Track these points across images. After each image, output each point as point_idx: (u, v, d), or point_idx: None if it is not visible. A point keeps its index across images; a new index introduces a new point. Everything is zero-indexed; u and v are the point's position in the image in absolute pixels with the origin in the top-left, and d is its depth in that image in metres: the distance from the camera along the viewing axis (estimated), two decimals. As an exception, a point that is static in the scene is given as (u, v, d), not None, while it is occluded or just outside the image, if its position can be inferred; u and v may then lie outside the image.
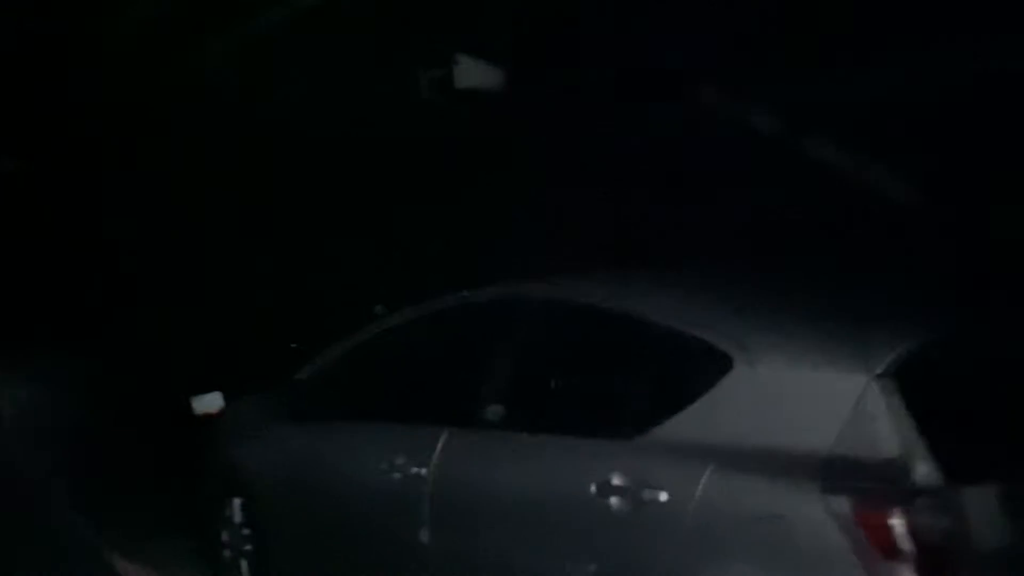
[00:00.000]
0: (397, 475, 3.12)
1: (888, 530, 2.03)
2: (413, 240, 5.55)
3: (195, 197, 6.09)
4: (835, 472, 2.14)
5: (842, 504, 2.09)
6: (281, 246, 6.07)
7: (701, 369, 2.48)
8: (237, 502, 4.11)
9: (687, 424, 2.45)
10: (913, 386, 2.15)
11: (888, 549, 2.02)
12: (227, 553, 4.14)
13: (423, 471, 3.04)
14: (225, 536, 4.15)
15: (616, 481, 2.48)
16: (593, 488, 2.52)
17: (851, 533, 2.06)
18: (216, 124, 5.87)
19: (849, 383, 2.21)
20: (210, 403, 4.37)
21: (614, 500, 2.48)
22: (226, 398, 4.39)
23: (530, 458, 2.80)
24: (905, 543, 2.00)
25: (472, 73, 4.46)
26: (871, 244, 3.99)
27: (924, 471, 2.05)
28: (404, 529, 3.08)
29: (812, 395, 2.28)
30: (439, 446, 3.03)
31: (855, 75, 4.11)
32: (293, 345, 5.58)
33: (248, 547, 4.06)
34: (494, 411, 2.96)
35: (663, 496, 2.39)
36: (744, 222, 4.19)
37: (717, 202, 4.31)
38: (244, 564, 4.07)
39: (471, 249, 5.00)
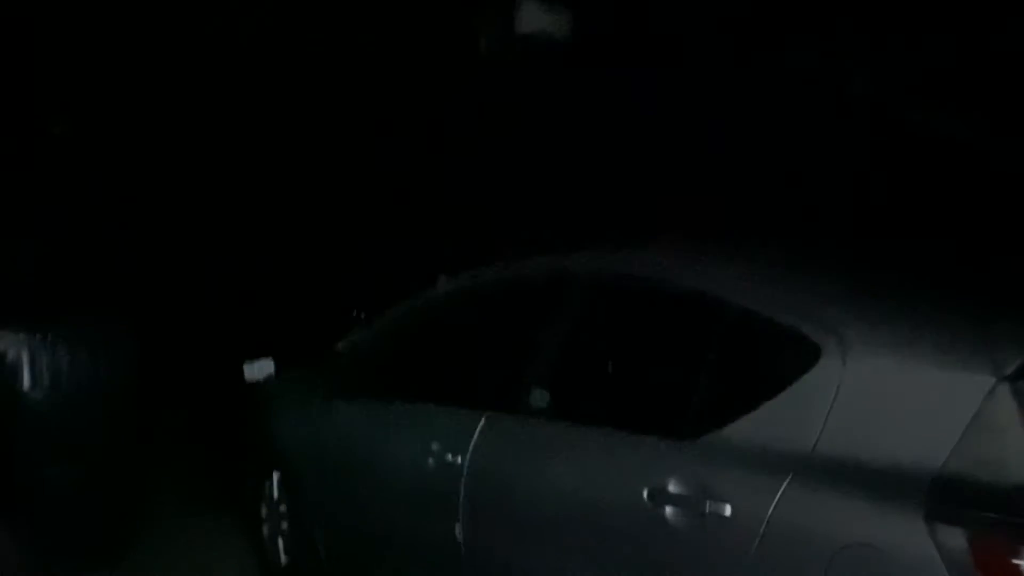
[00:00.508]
0: (432, 462, 2.81)
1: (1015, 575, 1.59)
2: (472, 206, 5.22)
3: (247, 160, 5.92)
4: (947, 496, 1.70)
5: (955, 537, 1.65)
6: (339, 210, 5.85)
7: (784, 360, 2.05)
8: (276, 476, 3.92)
9: (763, 425, 2.04)
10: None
11: (1014, 600, 1.58)
12: (266, 529, 3.95)
13: (458, 459, 2.72)
14: (264, 511, 3.96)
15: (673, 488, 2.10)
16: (645, 494, 2.14)
17: (965, 575, 1.63)
18: (265, 86, 5.66)
19: (970, 386, 1.76)
20: (261, 369, 4.20)
21: (669, 510, 2.09)
22: (277, 366, 4.24)
23: (575, 453, 2.44)
24: (1038, 594, 1.56)
25: (535, 16, 4.02)
26: (1000, 223, 3.43)
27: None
28: (438, 523, 2.77)
29: (921, 398, 1.83)
30: (476, 433, 2.70)
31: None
32: (355, 313, 5.38)
33: (284, 525, 3.85)
34: (538, 397, 2.61)
35: (728, 510, 1.99)
36: (841, 194, 3.68)
37: (807, 171, 3.80)
38: (280, 542, 3.87)
39: (526, 217, 4.64)
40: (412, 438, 2.96)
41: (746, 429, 2.07)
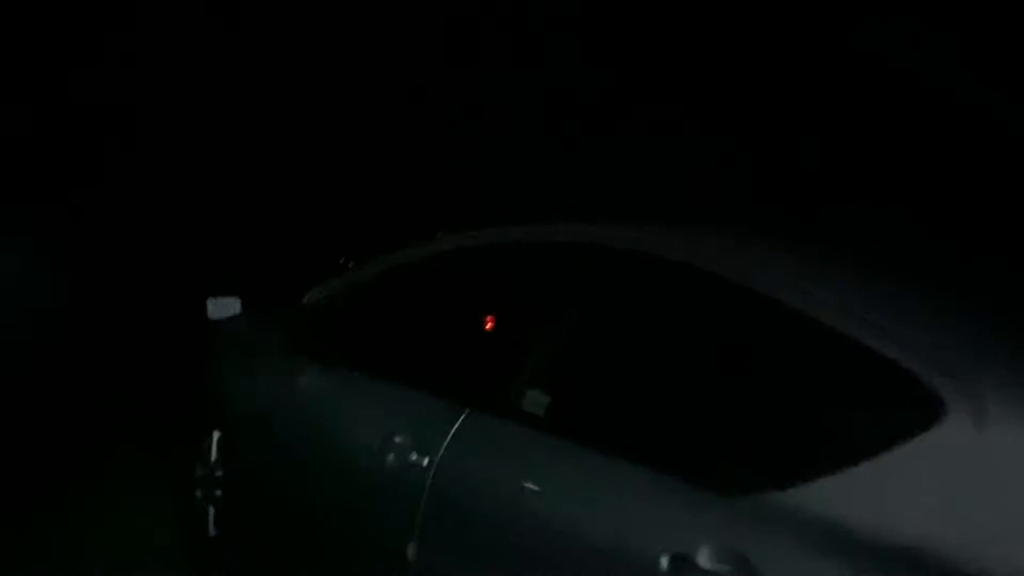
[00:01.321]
0: (392, 458, 2.23)
1: None
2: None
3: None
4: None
5: None
6: (336, 144, 5.24)
7: (886, 409, 1.47)
8: (216, 436, 3.36)
9: (846, 493, 1.46)
10: None
11: None
12: (198, 493, 3.39)
13: (424, 461, 2.14)
14: (199, 471, 3.41)
15: (705, 561, 1.52)
16: (665, 561, 1.56)
17: None
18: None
19: None
20: (226, 308, 3.65)
21: (696, 591, 1.52)
22: (245, 306, 3.69)
23: (574, 483, 1.85)
24: None
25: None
26: None
27: None
28: (389, 534, 2.20)
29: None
30: (451, 433, 2.11)
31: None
32: (343, 261, 4.85)
33: (218, 492, 3.30)
34: (534, 399, 2.02)
35: (781, 607, 1.42)
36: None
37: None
38: (212, 511, 3.31)
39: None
40: (373, 422, 2.38)
41: (821, 495, 1.48)
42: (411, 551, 2.12)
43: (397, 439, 2.24)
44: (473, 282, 2.46)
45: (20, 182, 3.93)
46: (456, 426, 2.11)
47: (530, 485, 1.91)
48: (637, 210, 2.27)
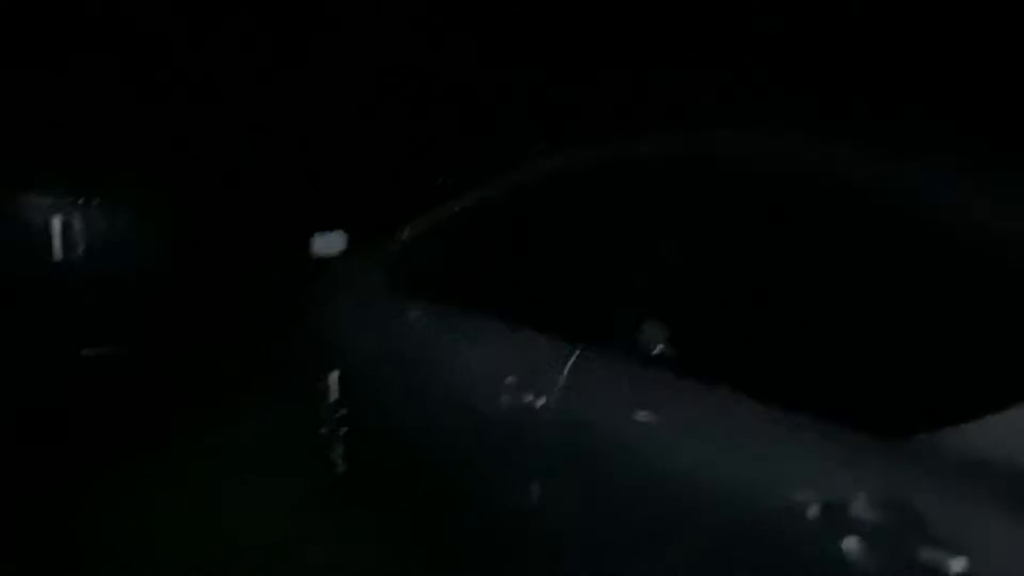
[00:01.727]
0: (505, 399, 2.13)
1: None
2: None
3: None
4: None
5: None
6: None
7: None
8: (335, 375, 3.37)
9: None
10: None
11: None
12: (323, 430, 3.45)
13: (539, 402, 2.03)
14: (322, 410, 3.45)
15: (861, 511, 1.35)
16: (815, 511, 1.40)
17: None
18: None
19: None
20: (332, 243, 3.63)
21: (853, 544, 1.35)
22: (351, 240, 3.66)
23: (702, 421, 1.69)
24: None
25: None
26: None
27: None
28: (511, 477, 2.13)
29: None
30: (564, 372, 1.98)
31: None
32: (440, 180, 4.73)
33: (344, 430, 3.34)
34: (652, 332, 1.85)
35: (959, 564, 1.23)
36: None
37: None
38: (340, 449, 3.37)
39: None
40: (482, 362, 2.28)
41: (992, 436, 1.27)
42: (533, 491, 2.04)
43: (508, 379, 2.13)
44: (576, 204, 2.27)
45: (125, 129, 3.96)
46: (569, 365, 1.97)
47: (650, 419, 1.77)
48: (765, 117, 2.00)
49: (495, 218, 2.59)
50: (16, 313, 3.22)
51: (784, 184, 1.70)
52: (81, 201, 3.38)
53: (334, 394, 3.36)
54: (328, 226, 3.61)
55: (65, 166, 3.55)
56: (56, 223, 3.36)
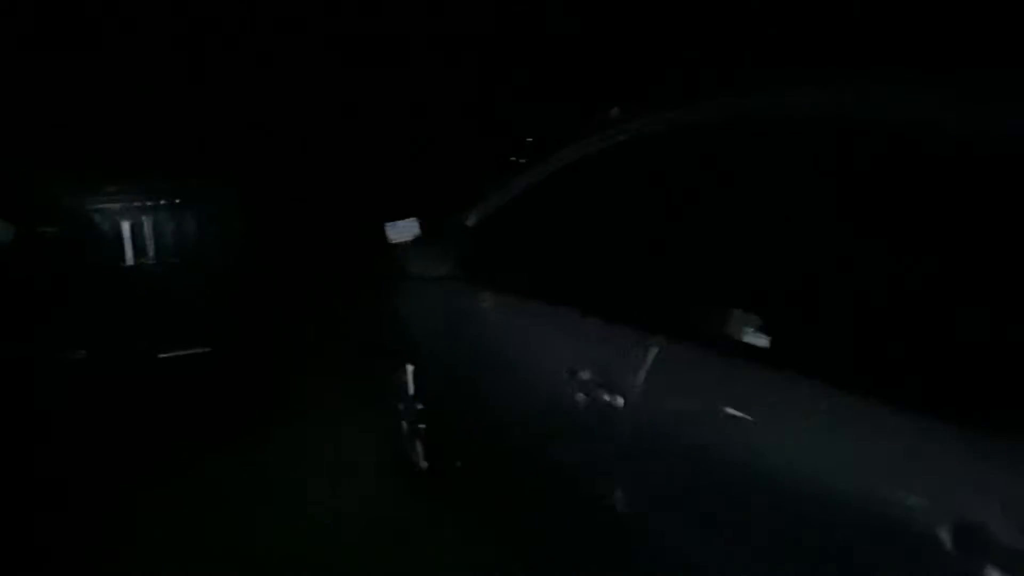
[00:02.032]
0: (582, 398, 1.96)
1: None
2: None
3: None
4: None
5: None
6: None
7: None
8: (410, 368, 3.28)
9: None
10: None
11: None
12: (404, 426, 3.37)
13: (618, 401, 1.85)
14: (400, 404, 3.37)
15: (1009, 535, 1.12)
16: (946, 535, 1.18)
17: None
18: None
19: None
20: (405, 231, 3.53)
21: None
22: (423, 227, 3.54)
23: (802, 421, 1.48)
24: None
25: None
26: None
27: None
28: (591, 482, 1.97)
29: None
30: (646, 365, 1.80)
31: None
32: (527, 140, 4.56)
33: (422, 426, 3.24)
34: (742, 321, 1.64)
35: None
36: None
37: None
38: (419, 446, 3.28)
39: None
40: (555, 357, 2.12)
41: None
42: (617, 498, 1.87)
43: (584, 375, 1.96)
44: (654, 177, 2.06)
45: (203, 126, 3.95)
46: (649, 360, 1.78)
47: (738, 417, 1.57)
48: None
49: (565, 197, 2.41)
50: (94, 315, 3.24)
51: (888, 158, 1.46)
52: (156, 202, 3.37)
53: (410, 388, 3.27)
54: (400, 213, 3.50)
55: (142, 169, 3.55)
56: (129, 225, 3.37)
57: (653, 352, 1.79)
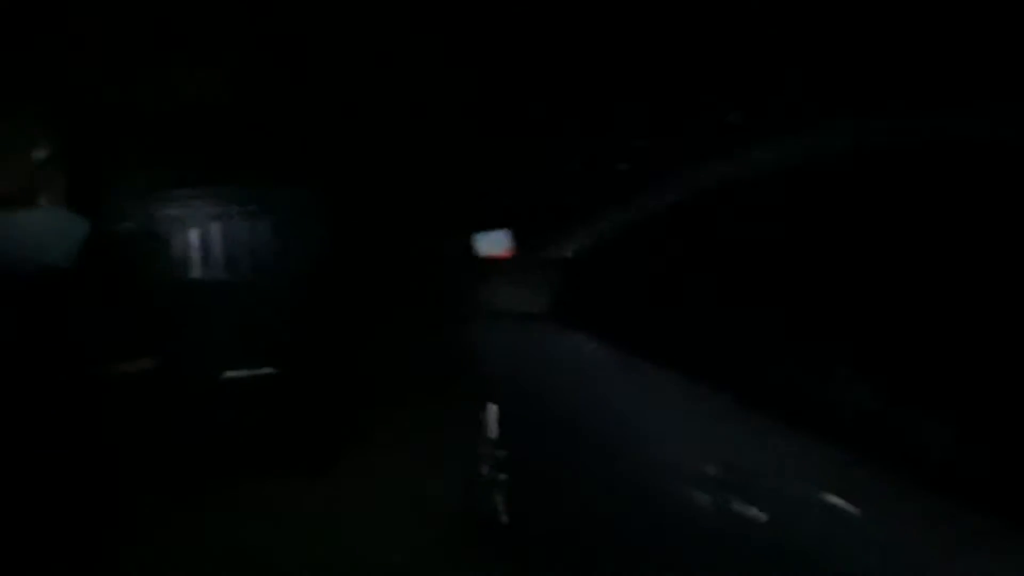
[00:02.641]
0: (704, 500, 1.51)
1: None
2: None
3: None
4: None
5: None
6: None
7: None
8: (493, 410, 2.88)
9: None
10: None
11: None
12: (484, 472, 2.98)
13: (755, 513, 1.39)
14: (481, 448, 2.98)
15: None
16: None
17: None
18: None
19: None
20: (496, 243, 3.21)
21: None
22: (518, 240, 3.20)
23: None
24: None
25: None
26: None
27: None
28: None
29: None
30: (802, 470, 1.33)
31: None
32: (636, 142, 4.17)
33: (503, 476, 2.84)
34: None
35: None
36: None
37: None
38: (499, 498, 2.87)
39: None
40: (670, 438, 1.67)
41: None
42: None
43: (708, 469, 1.51)
44: (835, 215, 1.56)
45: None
46: (809, 463, 1.32)
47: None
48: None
49: (696, 233, 1.95)
50: (158, 327, 3.00)
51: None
52: (231, 209, 3.12)
53: (493, 431, 2.87)
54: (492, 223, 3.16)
55: (219, 173, 3.31)
56: (200, 233, 3.12)
57: (812, 451, 1.32)
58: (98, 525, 2.78)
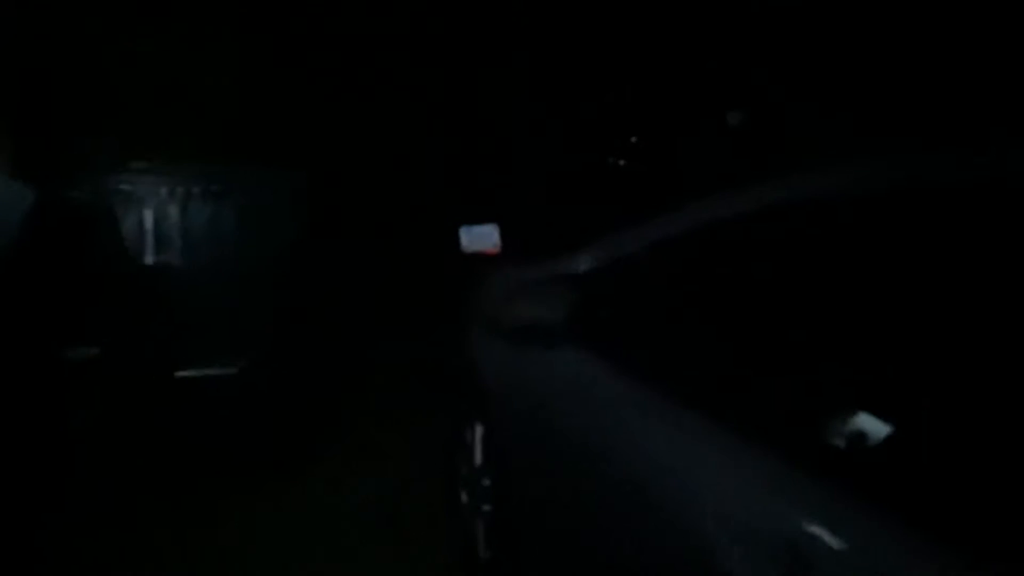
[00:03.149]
0: (734, 553, 1.18)
1: None
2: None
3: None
4: None
5: None
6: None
7: None
8: (479, 430, 2.55)
9: None
10: None
11: None
12: (464, 497, 2.64)
13: (782, 561, 1.05)
14: (463, 470, 2.65)
15: None
16: None
17: None
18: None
19: None
20: (483, 238, 2.94)
21: None
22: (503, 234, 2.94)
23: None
24: None
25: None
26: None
27: None
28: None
29: None
30: (848, 537, 1.01)
31: None
32: (632, 139, 3.97)
33: (486, 507, 2.50)
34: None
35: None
36: None
37: None
38: (480, 527, 2.53)
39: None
40: (691, 483, 1.35)
41: None
42: None
43: (710, 503, 1.20)
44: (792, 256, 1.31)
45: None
46: (851, 531, 0.99)
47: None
48: None
49: (725, 260, 1.65)
50: (102, 313, 2.67)
51: None
52: (197, 186, 2.80)
53: (478, 456, 2.54)
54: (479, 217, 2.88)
55: (185, 146, 3.01)
56: (155, 211, 2.80)
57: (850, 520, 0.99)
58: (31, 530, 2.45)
